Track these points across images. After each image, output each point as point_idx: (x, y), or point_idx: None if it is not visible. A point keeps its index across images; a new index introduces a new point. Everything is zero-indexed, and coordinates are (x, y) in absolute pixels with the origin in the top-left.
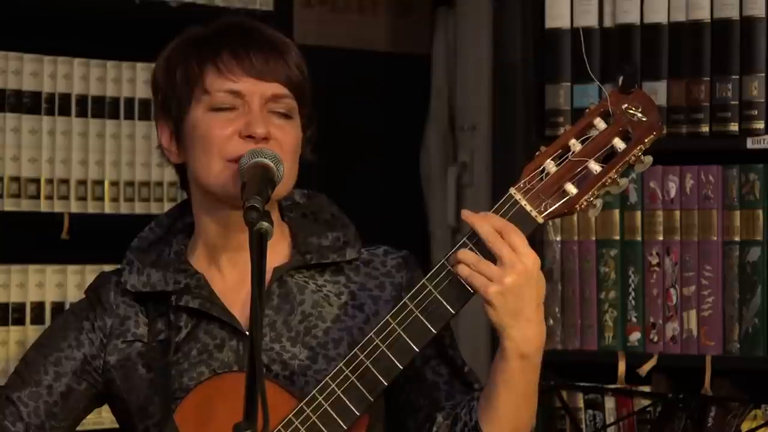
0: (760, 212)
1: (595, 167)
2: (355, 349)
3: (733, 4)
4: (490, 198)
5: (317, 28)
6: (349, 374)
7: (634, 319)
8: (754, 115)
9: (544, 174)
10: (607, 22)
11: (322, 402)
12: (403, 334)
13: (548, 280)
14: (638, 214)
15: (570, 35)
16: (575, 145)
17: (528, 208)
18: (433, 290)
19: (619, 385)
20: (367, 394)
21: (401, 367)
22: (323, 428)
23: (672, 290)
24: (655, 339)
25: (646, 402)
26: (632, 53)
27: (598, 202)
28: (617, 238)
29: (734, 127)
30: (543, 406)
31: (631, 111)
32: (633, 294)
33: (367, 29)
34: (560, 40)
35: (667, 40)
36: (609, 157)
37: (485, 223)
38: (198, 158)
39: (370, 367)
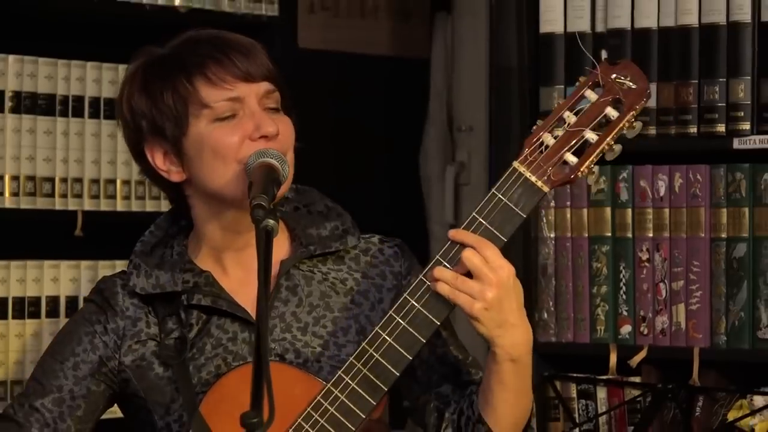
0: (746, 210)
1: (591, 136)
2: (363, 344)
3: (720, 9)
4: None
5: (321, 33)
6: (361, 367)
7: (624, 313)
8: (741, 117)
9: (543, 147)
10: (599, 27)
11: (338, 395)
12: (408, 326)
13: (543, 275)
14: (629, 211)
15: (564, 39)
16: (570, 117)
17: (533, 179)
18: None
19: (610, 376)
20: (381, 384)
21: (410, 358)
22: (343, 419)
23: (661, 285)
24: (645, 332)
25: (636, 392)
26: (623, 57)
27: (596, 169)
28: (609, 234)
29: (721, 128)
30: (538, 395)
31: (621, 80)
32: (624, 288)
33: (369, 34)
34: (554, 44)
35: (656, 44)
36: (603, 125)
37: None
38: (211, 167)
39: (380, 359)
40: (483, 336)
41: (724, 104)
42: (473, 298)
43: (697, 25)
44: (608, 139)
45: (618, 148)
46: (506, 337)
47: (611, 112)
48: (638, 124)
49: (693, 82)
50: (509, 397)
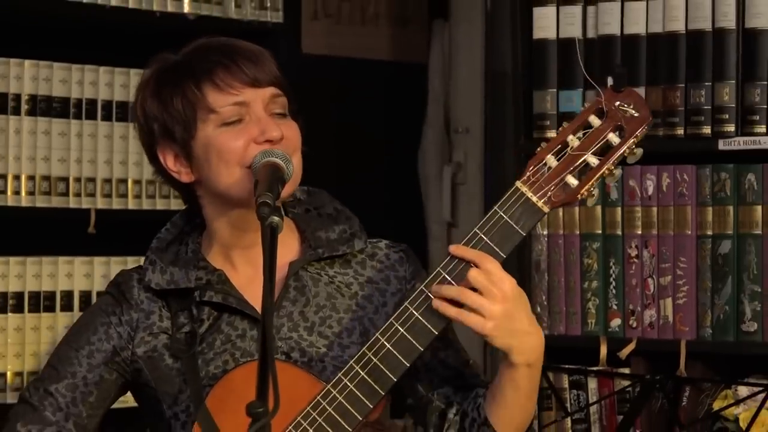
0: (731, 208)
1: (593, 160)
2: (364, 348)
3: (706, 16)
4: (482, 195)
5: (323, 39)
6: (359, 370)
7: (614, 307)
8: (725, 119)
9: (546, 168)
10: (590, 33)
11: (337, 395)
12: (407, 334)
13: (536, 270)
14: (619, 210)
15: (556, 45)
16: (573, 140)
17: (534, 199)
18: (430, 294)
19: (600, 368)
20: (378, 389)
21: (408, 364)
22: (340, 420)
23: (650, 280)
24: (634, 325)
25: (625, 383)
26: (613, 61)
27: (596, 191)
28: (599, 232)
29: (707, 130)
30: None
31: (624, 108)
32: (614, 283)
33: (370, 40)
34: (547, 49)
35: (645, 49)
36: (604, 150)
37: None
38: (217, 170)
39: (379, 364)
40: (499, 348)
41: (709, 107)
42: (482, 317)
43: (684, 32)
44: (609, 164)
45: (618, 172)
46: (521, 344)
47: (613, 138)
48: (639, 151)
49: (680, 86)
50: (521, 399)
